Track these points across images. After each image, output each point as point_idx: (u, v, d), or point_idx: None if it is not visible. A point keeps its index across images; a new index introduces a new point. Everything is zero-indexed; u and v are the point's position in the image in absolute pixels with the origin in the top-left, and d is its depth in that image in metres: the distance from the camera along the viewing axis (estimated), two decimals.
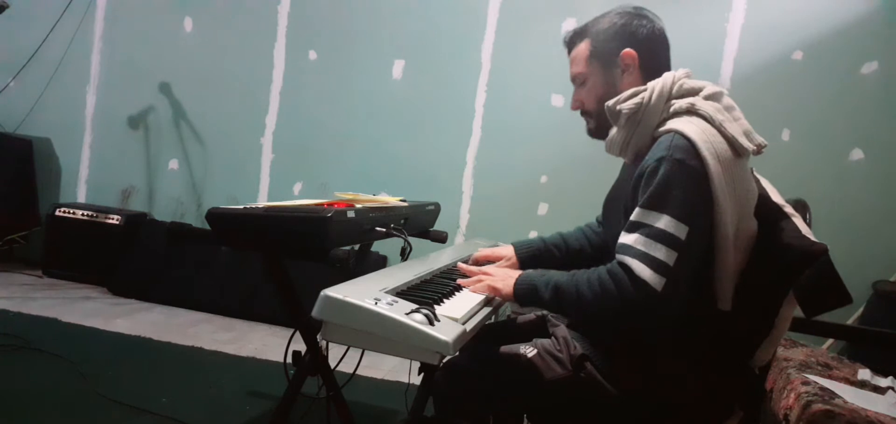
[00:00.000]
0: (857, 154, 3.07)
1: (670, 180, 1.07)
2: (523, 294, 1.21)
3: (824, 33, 3.08)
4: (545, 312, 1.46)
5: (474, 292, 1.28)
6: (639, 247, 1.06)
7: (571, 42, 1.36)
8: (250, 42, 3.76)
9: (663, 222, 1.05)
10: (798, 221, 1.17)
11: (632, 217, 1.10)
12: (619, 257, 1.09)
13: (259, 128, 3.78)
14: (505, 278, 1.25)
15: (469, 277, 1.33)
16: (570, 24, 3.33)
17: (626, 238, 1.09)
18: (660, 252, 1.04)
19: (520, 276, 1.23)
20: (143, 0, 3.88)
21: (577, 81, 1.35)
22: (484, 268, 1.38)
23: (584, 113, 1.36)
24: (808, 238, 1.12)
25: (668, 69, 1.26)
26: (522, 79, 3.43)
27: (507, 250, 1.59)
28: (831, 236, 1.29)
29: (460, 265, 1.43)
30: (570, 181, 3.36)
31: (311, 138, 3.71)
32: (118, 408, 2.03)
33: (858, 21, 3.04)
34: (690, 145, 1.08)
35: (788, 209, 1.21)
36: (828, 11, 3.07)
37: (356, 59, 3.64)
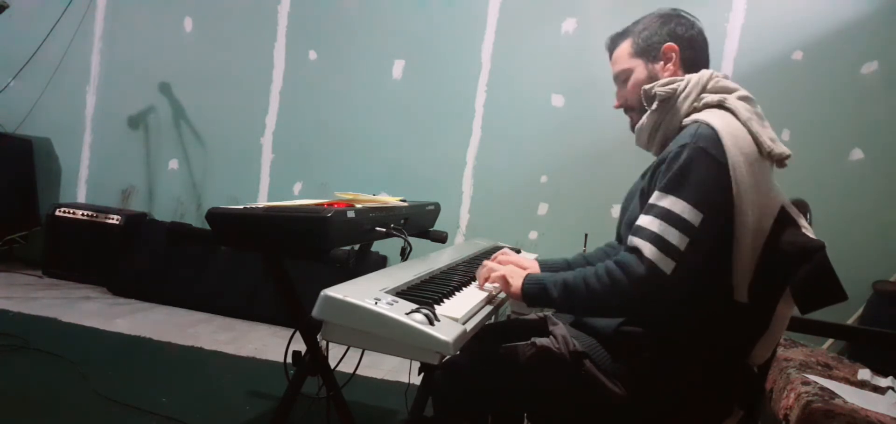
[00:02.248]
0: (857, 154, 3.07)
1: (691, 166, 1.09)
2: (532, 293, 1.22)
3: (824, 33, 3.08)
4: (545, 312, 1.46)
5: (485, 279, 1.31)
6: (653, 229, 1.08)
7: (613, 43, 1.39)
8: (250, 42, 3.76)
9: (679, 206, 1.07)
10: (799, 219, 1.17)
11: (650, 200, 1.12)
12: (631, 238, 1.10)
13: (259, 128, 3.78)
14: (514, 274, 1.26)
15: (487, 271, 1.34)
16: (569, 25, 3.33)
17: (641, 220, 1.11)
18: (672, 236, 1.06)
19: (528, 275, 1.24)
20: (143, 0, 3.89)
21: (620, 78, 1.37)
22: (493, 265, 1.38)
23: (627, 110, 1.38)
24: (806, 235, 1.13)
25: (708, 68, 1.28)
26: (522, 79, 3.43)
27: (532, 262, 1.58)
28: (831, 236, 1.29)
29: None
30: (570, 181, 3.36)
31: (311, 138, 3.71)
32: (118, 408, 2.03)
33: (858, 21, 3.04)
34: (715, 135, 1.11)
35: (790, 207, 1.21)
36: (828, 11, 3.07)
37: (356, 59, 3.64)
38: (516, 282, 1.24)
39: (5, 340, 2.45)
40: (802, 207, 1.27)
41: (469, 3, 3.49)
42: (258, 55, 3.75)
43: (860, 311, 2.92)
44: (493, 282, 1.30)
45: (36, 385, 2.13)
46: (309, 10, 3.69)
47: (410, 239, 1.61)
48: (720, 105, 1.19)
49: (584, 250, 1.69)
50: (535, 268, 1.52)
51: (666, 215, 1.07)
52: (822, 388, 1.73)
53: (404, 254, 1.61)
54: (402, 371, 2.68)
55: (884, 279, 2.93)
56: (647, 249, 1.06)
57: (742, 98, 1.20)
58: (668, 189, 1.09)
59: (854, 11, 3.05)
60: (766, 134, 1.17)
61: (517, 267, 1.33)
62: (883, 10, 3.02)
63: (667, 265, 1.05)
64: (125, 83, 3.92)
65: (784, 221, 1.18)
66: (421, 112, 3.57)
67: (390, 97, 3.60)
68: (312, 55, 3.70)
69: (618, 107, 1.40)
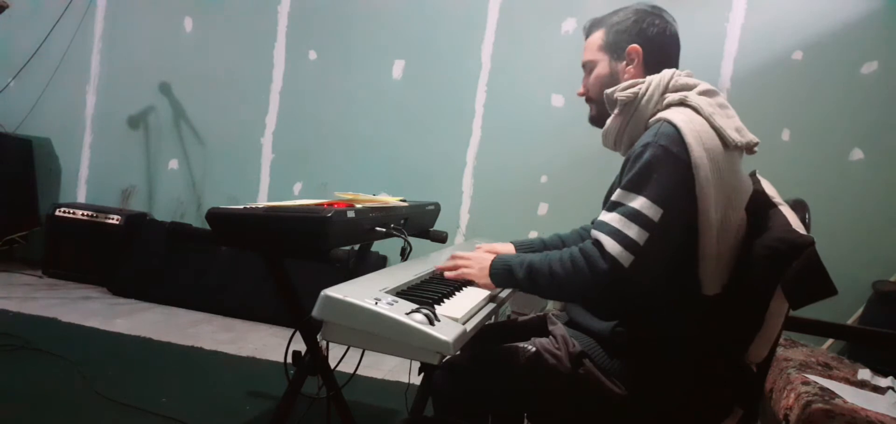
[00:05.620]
0: (857, 154, 3.07)
1: (652, 164, 1.10)
2: (498, 275, 1.25)
3: (824, 33, 3.08)
4: (544, 312, 1.46)
5: (451, 277, 1.32)
6: (613, 224, 1.10)
7: (589, 29, 1.40)
8: (250, 42, 3.76)
9: (639, 203, 1.09)
10: (789, 214, 1.18)
11: (612, 197, 1.14)
12: (593, 232, 1.13)
13: (259, 128, 3.78)
14: (481, 261, 1.29)
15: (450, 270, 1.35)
16: (569, 25, 3.33)
17: (603, 216, 1.14)
18: (632, 231, 1.08)
19: (495, 258, 1.27)
20: (143, 0, 3.89)
21: (587, 67, 1.39)
22: (463, 254, 1.39)
23: (588, 100, 1.40)
24: (796, 231, 1.13)
25: (674, 68, 1.28)
26: (522, 79, 3.43)
27: (508, 248, 1.59)
28: (831, 236, 1.30)
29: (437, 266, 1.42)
30: (570, 181, 3.36)
31: (311, 138, 3.71)
32: (118, 408, 2.03)
33: (858, 21, 3.04)
34: (676, 133, 1.12)
35: (779, 202, 1.22)
36: (828, 11, 3.07)
37: (356, 59, 3.64)
38: (483, 269, 1.27)
39: (5, 340, 2.45)
40: (802, 207, 1.27)
41: (469, 3, 3.49)
42: (258, 55, 3.75)
43: (860, 311, 2.92)
44: (458, 272, 1.31)
45: (36, 385, 2.13)
46: (309, 10, 3.69)
47: (410, 239, 1.61)
48: (682, 103, 1.20)
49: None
50: (509, 251, 1.54)
51: (626, 212, 1.10)
52: (822, 388, 1.73)
53: (404, 254, 1.61)
54: (402, 370, 2.68)
55: (884, 278, 2.93)
56: (608, 243, 1.08)
57: (703, 93, 1.21)
58: (630, 187, 1.11)
59: (854, 11, 3.05)
60: (731, 125, 1.18)
61: (489, 252, 1.35)
62: (883, 10, 3.02)
63: (625, 259, 1.07)
64: (125, 83, 3.92)
65: (759, 206, 1.20)
66: (421, 112, 3.57)
67: (390, 97, 3.60)
68: (312, 55, 3.70)
69: (580, 95, 1.41)
